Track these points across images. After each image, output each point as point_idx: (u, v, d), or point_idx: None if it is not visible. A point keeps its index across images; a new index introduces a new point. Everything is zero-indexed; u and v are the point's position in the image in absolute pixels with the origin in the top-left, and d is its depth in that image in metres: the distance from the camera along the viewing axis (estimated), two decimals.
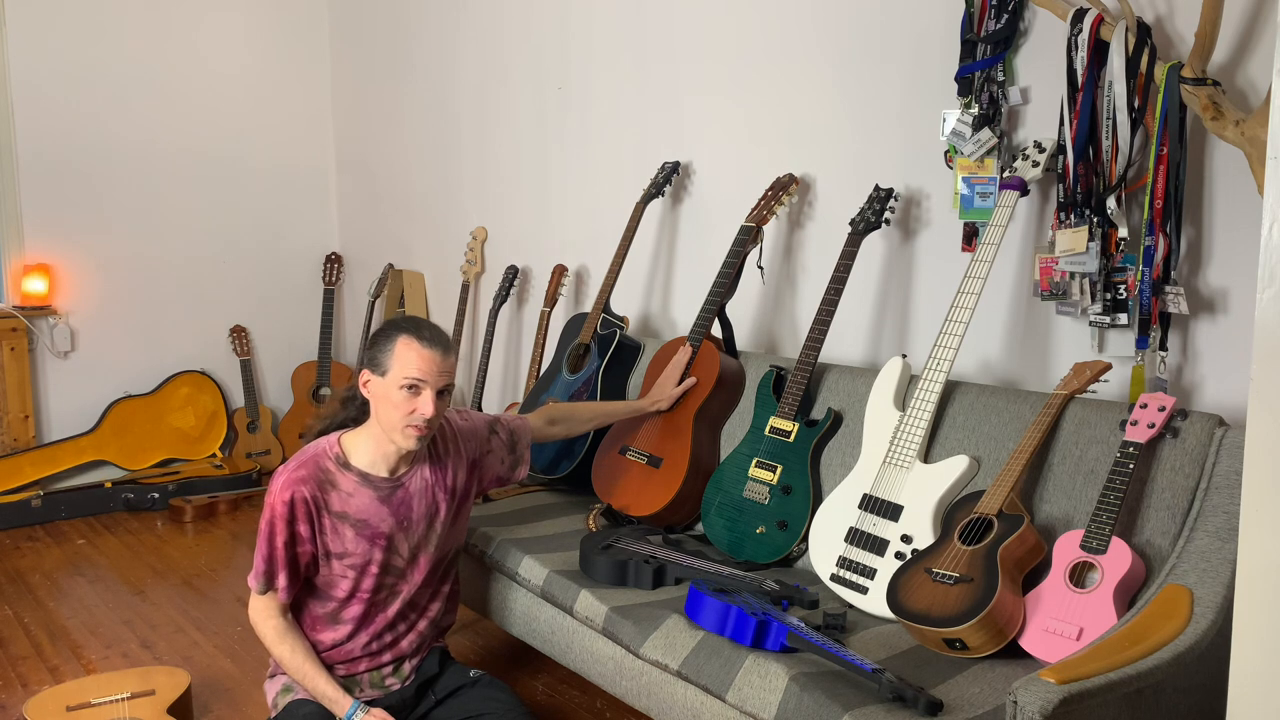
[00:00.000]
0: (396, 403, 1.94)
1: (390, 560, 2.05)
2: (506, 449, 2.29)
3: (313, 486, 1.97)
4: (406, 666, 2.14)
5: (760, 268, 2.87)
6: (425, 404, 1.94)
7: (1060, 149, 2.13)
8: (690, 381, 2.60)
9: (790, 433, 2.39)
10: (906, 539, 2.03)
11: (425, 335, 1.96)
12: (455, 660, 2.23)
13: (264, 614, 2.02)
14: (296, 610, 2.06)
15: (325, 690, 1.98)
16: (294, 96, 4.83)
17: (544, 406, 2.48)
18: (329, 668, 2.05)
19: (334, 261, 4.86)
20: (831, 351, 2.77)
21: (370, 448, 2.02)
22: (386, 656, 2.11)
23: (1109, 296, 2.09)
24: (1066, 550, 1.80)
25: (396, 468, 2.04)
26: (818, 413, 2.45)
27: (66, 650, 2.82)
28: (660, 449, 2.58)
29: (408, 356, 1.93)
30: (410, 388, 1.93)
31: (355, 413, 2.09)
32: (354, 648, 2.06)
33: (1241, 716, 1.19)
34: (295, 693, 2.04)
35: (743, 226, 2.72)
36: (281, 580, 1.98)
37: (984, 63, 2.29)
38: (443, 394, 1.98)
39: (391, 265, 4.55)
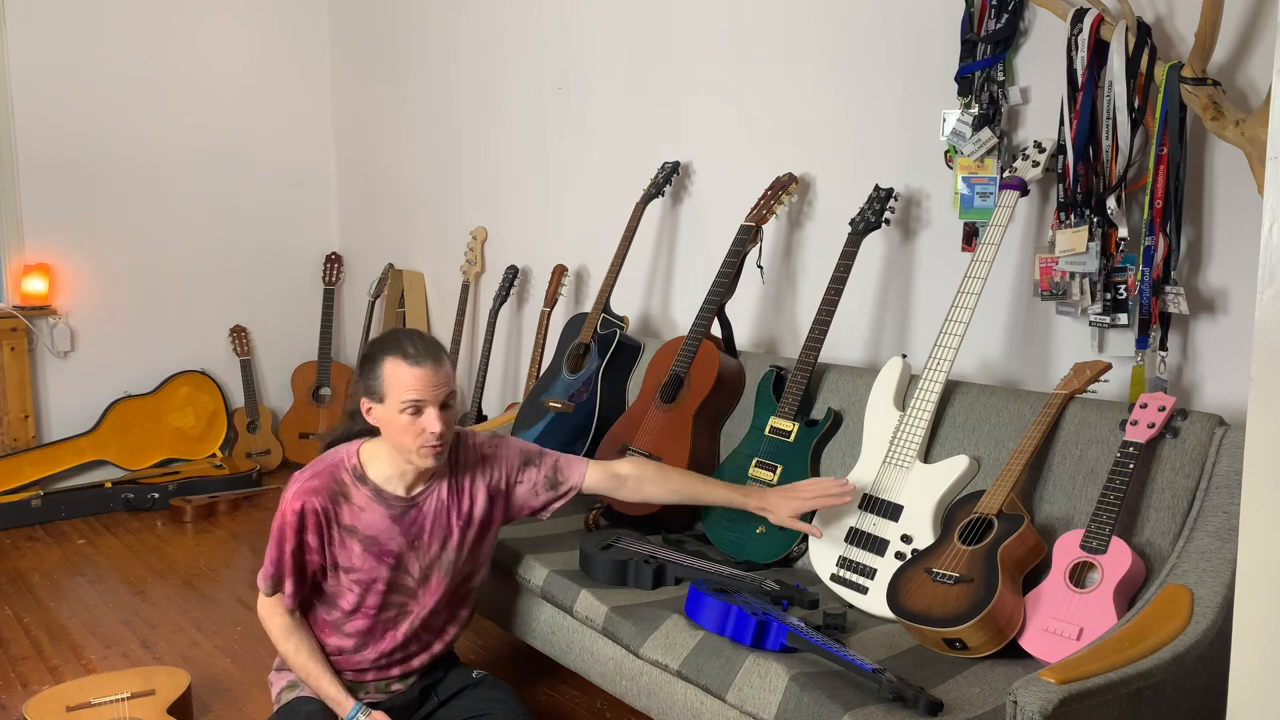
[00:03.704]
0: (403, 427, 1.88)
1: (398, 579, 2.01)
2: (546, 485, 2.12)
3: (324, 498, 1.94)
4: (414, 676, 2.14)
5: (760, 267, 2.87)
6: (431, 421, 1.88)
7: (1060, 149, 2.13)
8: (813, 530, 2.13)
9: (790, 433, 2.39)
10: (906, 539, 2.03)
11: (411, 352, 1.88)
12: (458, 661, 2.23)
13: (271, 610, 2.01)
14: (304, 610, 2.05)
15: (328, 690, 1.98)
16: (294, 96, 4.83)
17: (623, 459, 2.21)
18: (336, 671, 2.04)
19: (334, 261, 4.86)
20: (831, 351, 2.77)
21: (388, 463, 1.98)
22: (395, 671, 2.09)
23: (1109, 296, 2.09)
24: (1066, 550, 1.80)
25: (414, 485, 2.00)
26: (818, 413, 2.45)
27: (66, 650, 2.82)
28: (660, 448, 2.58)
29: (399, 379, 1.87)
30: (411, 410, 1.87)
31: (364, 426, 2.03)
32: (361, 660, 2.05)
33: (1241, 716, 1.19)
34: (300, 689, 2.04)
35: (742, 226, 2.72)
36: (289, 587, 1.97)
37: (984, 62, 2.29)
38: (446, 406, 1.91)
39: (391, 265, 4.55)
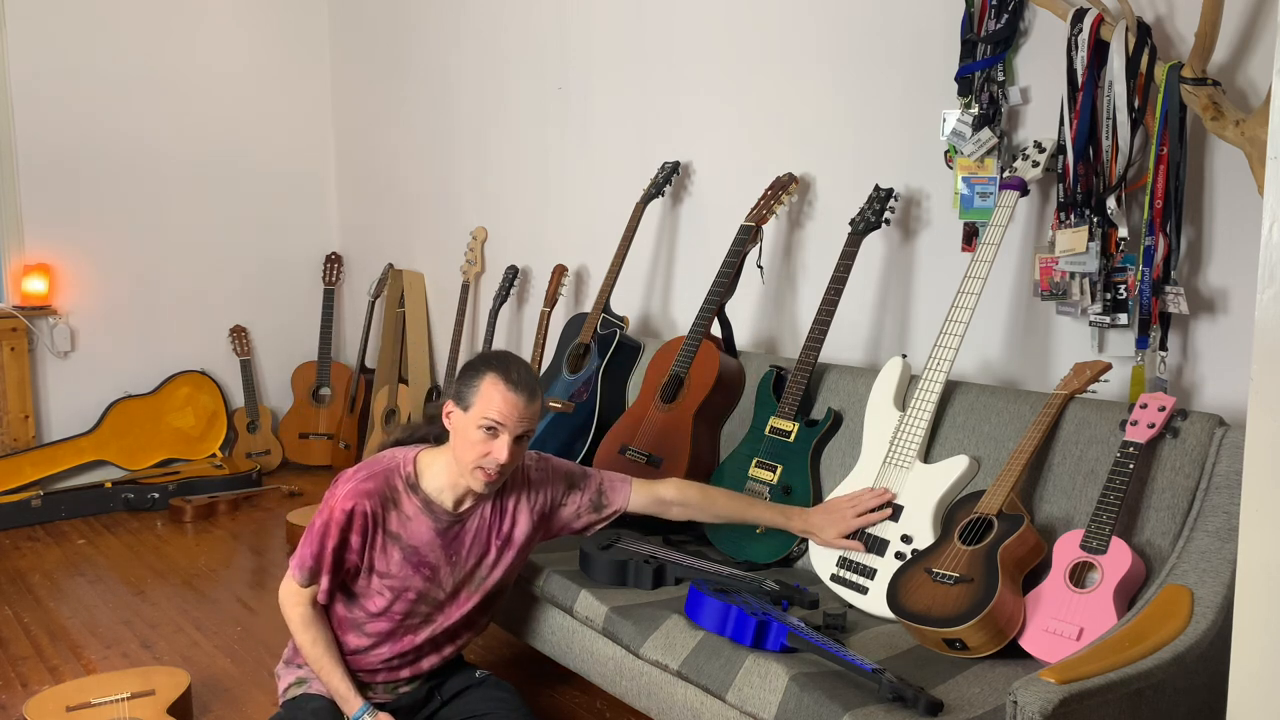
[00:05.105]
0: (472, 441, 1.88)
1: (429, 591, 2.01)
2: (590, 507, 2.14)
3: (376, 502, 1.94)
4: (422, 678, 2.14)
5: (760, 267, 2.87)
6: (500, 449, 1.88)
7: (1060, 149, 2.13)
8: (856, 546, 2.10)
9: (790, 433, 2.39)
10: (906, 539, 2.03)
11: (513, 377, 1.89)
12: (463, 660, 2.23)
13: (294, 599, 2.01)
14: (326, 604, 2.05)
15: (338, 686, 1.99)
16: (294, 96, 4.83)
17: (667, 480, 2.21)
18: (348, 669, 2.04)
19: (334, 261, 4.86)
20: (831, 351, 2.77)
21: (443, 473, 1.97)
22: (404, 673, 2.09)
23: (1109, 296, 2.09)
24: (1066, 550, 1.80)
25: (462, 501, 2.00)
26: (818, 413, 2.45)
27: (66, 650, 2.82)
28: (660, 448, 2.58)
29: (491, 396, 1.87)
30: (488, 429, 1.87)
31: (439, 431, 2.04)
32: (374, 660, 2.05)
33: (1241, 716, 1.19)
34: (309, 685, 2.04)
35: (742, 226, 2.72)
36: (325, 582, 1.97)
37: (984, 63, 2.29)
38: (520, 439, 1.91)
39: (391, 265, 4.55)
